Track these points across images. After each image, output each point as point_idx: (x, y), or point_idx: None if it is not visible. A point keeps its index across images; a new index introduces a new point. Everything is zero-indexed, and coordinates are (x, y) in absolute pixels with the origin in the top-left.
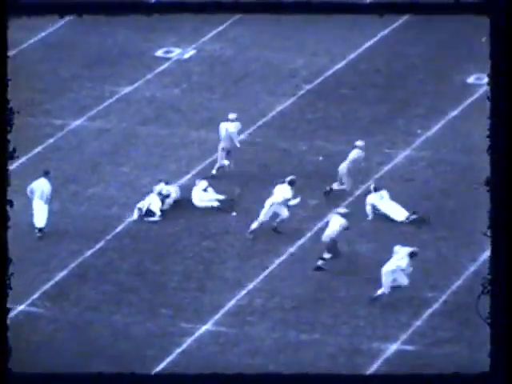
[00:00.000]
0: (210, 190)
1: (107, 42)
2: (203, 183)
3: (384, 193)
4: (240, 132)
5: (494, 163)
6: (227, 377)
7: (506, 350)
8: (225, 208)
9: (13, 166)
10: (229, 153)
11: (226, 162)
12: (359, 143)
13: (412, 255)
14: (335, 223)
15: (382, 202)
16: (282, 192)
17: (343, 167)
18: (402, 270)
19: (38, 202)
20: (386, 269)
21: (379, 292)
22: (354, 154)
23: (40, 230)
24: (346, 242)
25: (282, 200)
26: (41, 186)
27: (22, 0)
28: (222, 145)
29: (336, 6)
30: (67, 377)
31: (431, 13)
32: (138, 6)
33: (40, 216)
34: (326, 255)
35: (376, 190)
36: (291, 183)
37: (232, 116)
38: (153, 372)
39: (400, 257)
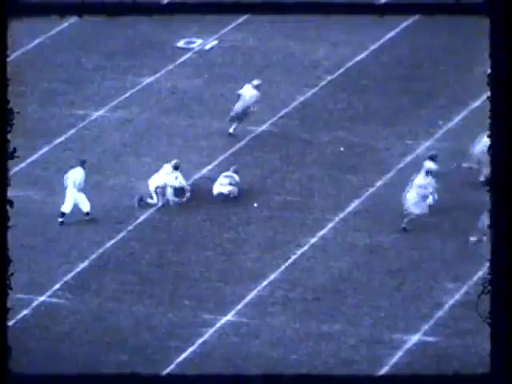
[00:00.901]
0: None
1: (129, 33)
2: (225, 179)
3: (431, 163)
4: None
5: (494, 163)
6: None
7: (506, 350)
8: (243, 196)
9: (34, 157)
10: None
11: (253, 109)
12: None
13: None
14: None
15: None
16: (419, 181)
17: (477, 151)
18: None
19: (71, 190)
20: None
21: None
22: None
23: (87, 213)
24: (367, 233)
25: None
26: (74, 175)
27: (22, 0)
28: (238, 104)
29: (335, 7)
30: (67, 377)
31: (430, 13)
32: (139, 6)
33: (70, 204)
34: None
35: (432, 158)
36: (428, 173)
37: (256, 82)
38: (174, 363)
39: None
